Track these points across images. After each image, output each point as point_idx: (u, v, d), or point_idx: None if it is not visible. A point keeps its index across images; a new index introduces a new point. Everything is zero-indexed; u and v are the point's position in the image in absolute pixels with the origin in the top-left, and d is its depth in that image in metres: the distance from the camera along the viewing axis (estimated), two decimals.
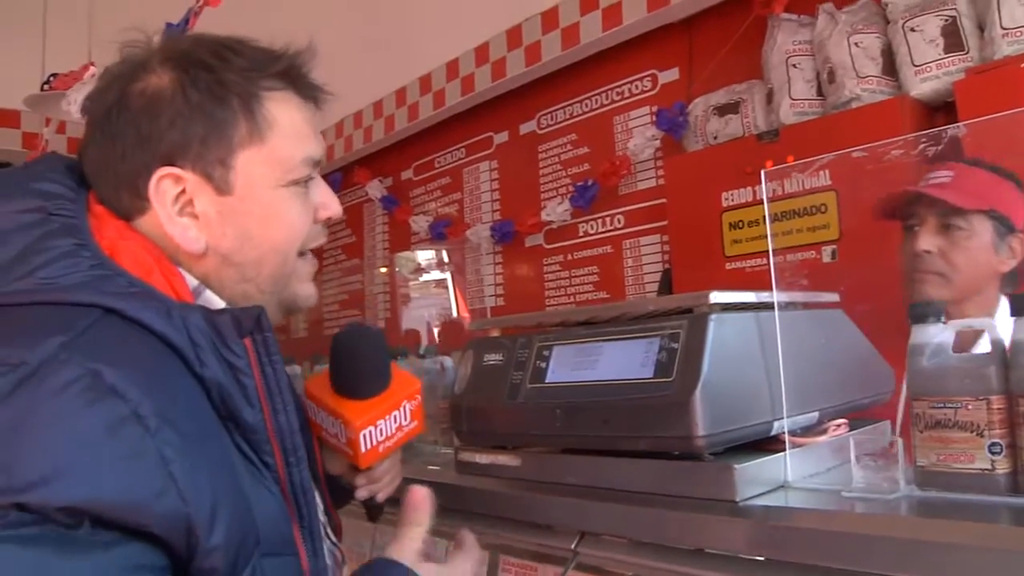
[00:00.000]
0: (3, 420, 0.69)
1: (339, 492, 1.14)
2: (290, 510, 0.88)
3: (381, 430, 1.03)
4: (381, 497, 1.14)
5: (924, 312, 0.96)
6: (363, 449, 1.02)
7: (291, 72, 0.96)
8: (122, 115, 0.90)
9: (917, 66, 2.07)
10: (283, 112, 0.94)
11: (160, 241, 0.91)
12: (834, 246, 2.12)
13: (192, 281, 0.92)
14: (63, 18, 3.69)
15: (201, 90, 0.90)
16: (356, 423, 1.01)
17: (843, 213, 2.07)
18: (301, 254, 0.99)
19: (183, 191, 0.90)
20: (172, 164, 0.89)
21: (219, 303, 0.93)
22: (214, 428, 0.82)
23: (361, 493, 1.12)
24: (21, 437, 0.69)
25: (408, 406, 1.05)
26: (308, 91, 0.99)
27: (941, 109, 2.07)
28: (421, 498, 0.96)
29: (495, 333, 1.34)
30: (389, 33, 3.59)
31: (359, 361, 1.04)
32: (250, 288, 0.95)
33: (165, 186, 0.89)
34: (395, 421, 1.04)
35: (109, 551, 0.70)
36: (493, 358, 1.26)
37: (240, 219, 0.92)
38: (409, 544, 0.95)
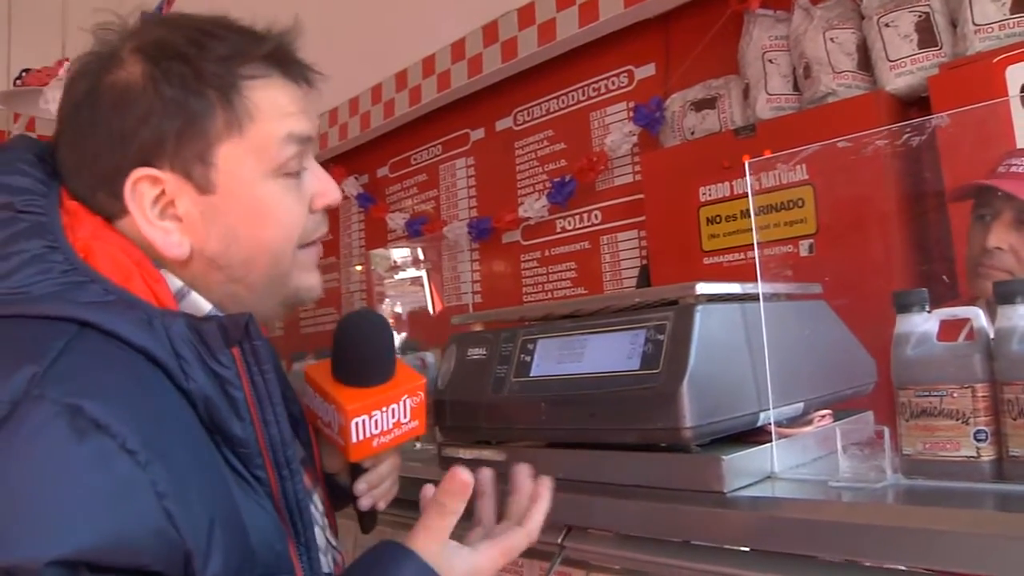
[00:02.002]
0: None
1: (336, 493, 1.10)
2: (284, 526, 0.84)
3: (376, 422, 0.98)
4: (381, 505, 1.08)
5: (909, 301, 0.97)
6: (354, 439, 0.97)
7: (277, 54, 0.89)
8: (92, 111, 0.84)
9: (892, 61, 2.08)
10: (265, 98, 0.87)
11: (141, 245, 0.84)
12: (811, 240, 2.13)
13: (175, 283, 0.86)
14: (31, 10, 3.63)
15: (174, 84, 0.83)
16: (348, 408, 0.96)
17: (820, 207, 2.08)
18: (303, 246, 0.93)
19: (162, 192, 0.84)
20: (148, 164, 0.83)
21: (205, 307, 0.87)
22: (204, 449, 0.77)
23: (364, 503, 1.05)
24: (2, 490, 0.64)
25: (409, 402, 1.00)
26: (295, 72, 0.91)
27: (916, 104, 2.09)
28: (461, 483, 0.87)
29: (478, 328, 1.33)
30: (364, 29, 3.57)
31: (360, 346, 0.99)
32: (239, 289, 0.89)
33: (142, 188, 0.83)
34: (393, 416, 0.99)
35: None
36: (477, 352, 1.25)
37: (225, 219, 0.86)
38: (431, 534, 0.88)
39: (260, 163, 0.87)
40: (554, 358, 1.14)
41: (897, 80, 2.06)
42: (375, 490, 1.07)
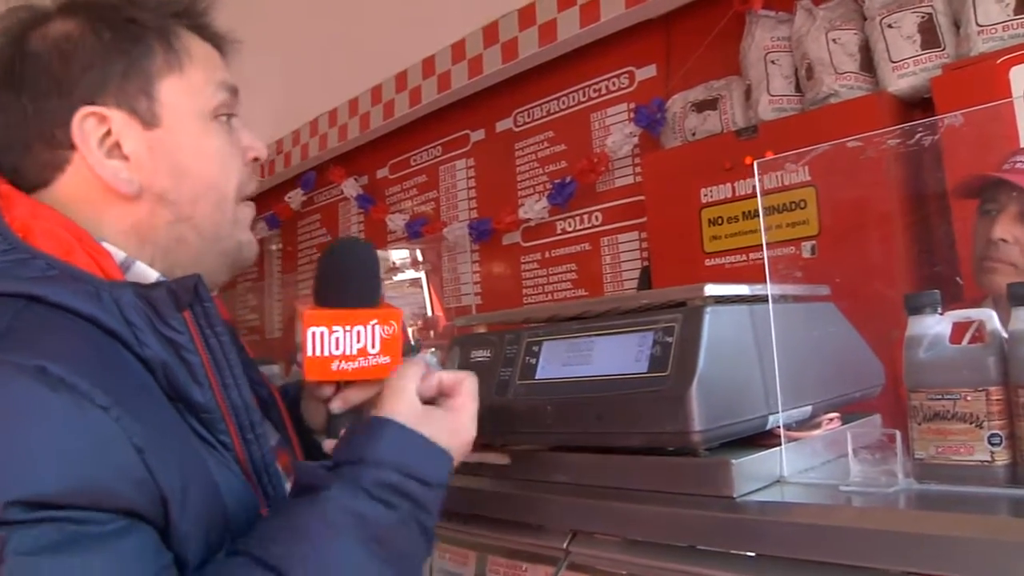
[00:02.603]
0: None
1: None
2: (255, 490, 0.84)
3: (338, 341, 0.93)
4: None
5: (920, 303, 0.96)
6: (309, 352, 0.92)
7: (190, 13, 0.93)
8: (27, 65, 0.85)
9: (895, 62, 2.07)
10: (195, 45, 0.92)
11: (86, 195, 0.85)
12: (813, 242, 2.12)
13: (119, 255, 0.86)
14: None
15: (113, 28, 0.86)
16: (306, 314, 0.92)
17: (822, 209, 2.07)
18: (240, 201, 0.96)
19: (108, 132, 0.85)
20: (92, 103, 0.84)
21: (152, 275, 0.87)
22: (169, 412, 0.78)
23: (326, 444, 1.00)
24: None
25: (379, 331, 0.95)
26: (212, 37, 0.96)
27: (918, 105, 2.08)
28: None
29: (482, 329, 1.32)
30: (364, 30, 3.56)
31: (328, 263, 0.98)
32: (186, 230, 0.90)
33: (89, 126, 0.84)
34: (358, 340, 0.94)
35: (123, 540, 0.67)
36: (480, 354, 1.24)
37: (172, 152, 0.88)
38: (398, 397, 0.88)
39: (197, 102, 0.91)
40: (560, 360, 1.13)
41: (900, 81, 2.05)
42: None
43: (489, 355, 1.22)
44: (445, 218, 3.43)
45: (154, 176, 0.88)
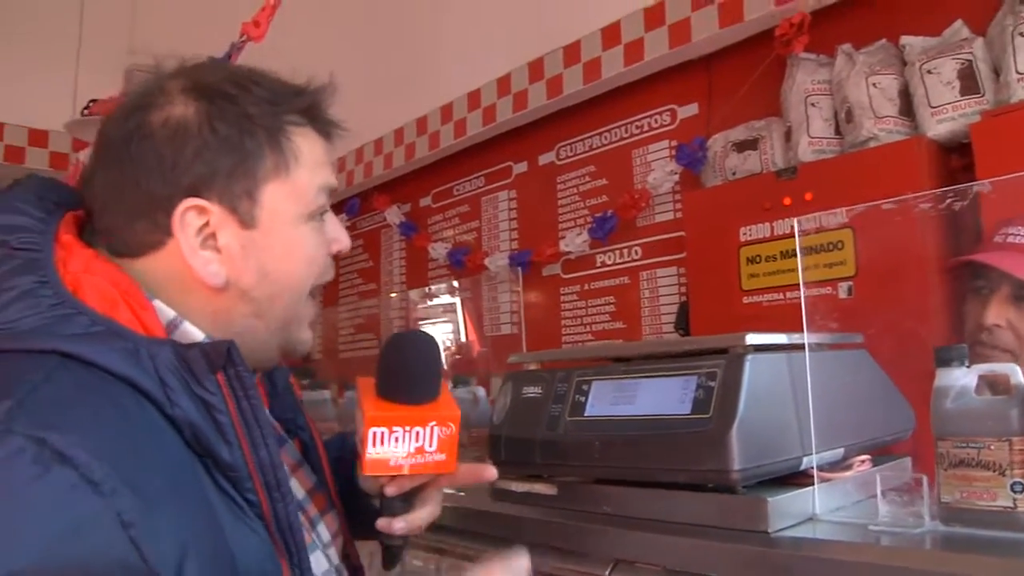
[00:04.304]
0: None
1: (363, 520, 1.10)
2: (277, 548, 0.86)
3: (397, 439, 0.97)
4: (405, 527, 1.04)
5: (949, 356, 1.01)
6: (369, 450, 0.96)
7: (312, 109, 0.97)
8: (143, 143, 0.89)
9: (934, 107, 2.10)
10: (304, 145, 0.95)
11: (175, 277, 0.89)
12: (850, 283, 2.15)
13: (168, 314, 0.89)
14: (98, 42, 3.79)
15: (228, 122, 0.90)
16: (368, 415, 0.96)
17: (860, 250, 2.11)
18: (310, 294, 1.00)
19: (206, 223, 0.90)
20: (197, 196, 0.89)
21: (197, 336, 0.90)
22: (185, 474, 0.79)
23: (381, 522, 1.03)
24: None
25: (437, 431, 0.98)
26: (326, 127, 1.00)
27: (957, 150, 2.11)
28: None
29: (533, 367, 1.39)
30: (412, 63, 3.65)
31: (392, 359, 1.00)
32: (259, 323, 0.95)
33: (189, 218, 0.89)
34: (417, 440, 0.97)
35: None
36: (532, 391, 1.31)
37: (262, 253, 0.92)
38: None
39: (297, 206, 0.94)
40: (608, 399, 1.20)
41: (939, 126, 2.08)
42: (411, 516, 1.04)
43: (540, 391, 1.30)
44: (486, 248, 3.49)
45: (242, 273, 0.92)
